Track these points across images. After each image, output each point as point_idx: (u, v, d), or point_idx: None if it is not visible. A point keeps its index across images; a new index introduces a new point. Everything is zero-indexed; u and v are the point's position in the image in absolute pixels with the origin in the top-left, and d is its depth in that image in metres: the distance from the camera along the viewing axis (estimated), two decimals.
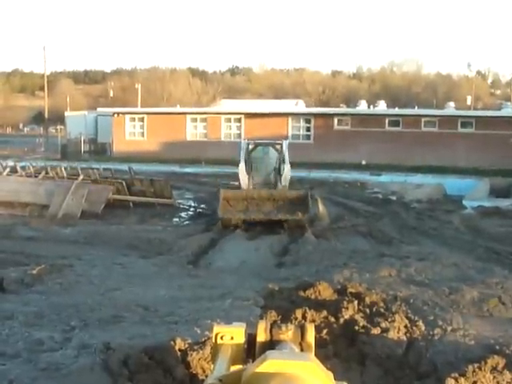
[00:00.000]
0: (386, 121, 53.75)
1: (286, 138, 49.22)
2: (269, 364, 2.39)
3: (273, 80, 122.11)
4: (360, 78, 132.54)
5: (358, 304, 9.44)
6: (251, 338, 2.96)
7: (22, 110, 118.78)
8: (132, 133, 58.21)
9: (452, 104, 69.71)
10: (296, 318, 8.74)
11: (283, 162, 26.85)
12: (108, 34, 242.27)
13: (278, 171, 27.05)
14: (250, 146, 27.92)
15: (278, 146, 27.82)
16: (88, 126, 65.47)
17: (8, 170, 34.10)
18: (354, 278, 13.71)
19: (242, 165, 26.81)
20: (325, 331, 8.41)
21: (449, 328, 9.13)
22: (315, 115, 56.76)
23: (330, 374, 2.38)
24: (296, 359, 2.45)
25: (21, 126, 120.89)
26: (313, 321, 8.48)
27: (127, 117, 58.61)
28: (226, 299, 11.62)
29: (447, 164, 47.00)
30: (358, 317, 8.95)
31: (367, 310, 9.35)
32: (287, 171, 26.53)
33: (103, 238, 23.44)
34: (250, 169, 27.15)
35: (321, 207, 27.54)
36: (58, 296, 12.36)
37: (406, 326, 8.76)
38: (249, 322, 3.24)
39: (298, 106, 61.97)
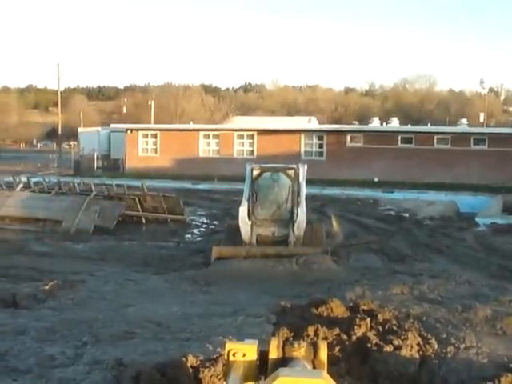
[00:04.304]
0: (399, 138, 53.57)
1: (300, 157, 49.43)
2: (281, 381, 2.38)
3: (285, 97, 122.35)
4: (373, 95, 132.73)
5: (371, 321, 9.40)
6: (263, 355, 2.96)
7: (36, 125, 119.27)
8: (145, 149, 58.26)
9: (465, 121, 69.64)
10: (308, 335, 8.71)
11: (298, 195, 21.40)
12: (121, 51, 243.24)
13: (291, 205, 21.49)
14: (255, 172, 21.95)
15: (291, 172, 21.77)
16: (101, 142, 65.58)
17: (21, 185, 34.19)
18: (367, 296, 13.67)
19: (243, 209, 21.27)
20: (337, 348, 8.38)
21: (462, 346, 9.08)
22: (328, 132, 56.65)
23: None
24: (308, 377, 2.44)
25: (34, 141, 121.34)
26: (325, 338, 8.45)
27: (140, 133, 58.68)
28: (238, 316, 11.60)
29: (460, 181, 46.79)
30: (370, 334, 8.92)
31: (380, 328, 9.31)
32: (302, 217, 21.01)
33: (116, 253, 23.49)
34: (255, 200, 21.59)
35: (335, 224, 27.15)
36: (70, 312, 12.37)
37: (418, 344, 8.71)
38: (261, 339, 3.23)
39: (311, 122, 61.99)
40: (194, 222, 33.09)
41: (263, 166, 22.73)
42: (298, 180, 21.54)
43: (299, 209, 21.00)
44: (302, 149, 54.66)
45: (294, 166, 22.08)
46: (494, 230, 29.78)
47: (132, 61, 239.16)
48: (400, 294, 14.53)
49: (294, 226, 20.98)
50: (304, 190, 21.68)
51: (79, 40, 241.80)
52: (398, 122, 70.10)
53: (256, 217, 21.44)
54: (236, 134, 56.51)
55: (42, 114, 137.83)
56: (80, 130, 73.80)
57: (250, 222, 21.16)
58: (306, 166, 22.57)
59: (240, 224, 21.16)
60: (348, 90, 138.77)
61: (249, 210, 21.25)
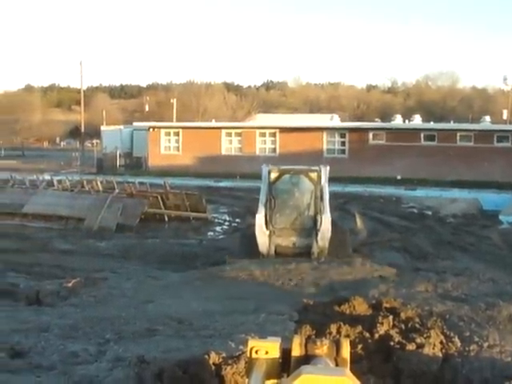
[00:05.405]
0: (422, 135, 53.41)
1: (323, 155, 49.41)
2: (304, 379, 2.37)
3: (308, 94, 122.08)
4: (395, 92, 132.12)
5: (393, 319, 9.35)
6: (286, 353, 2.95)
7: (59, 124, 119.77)
8: (167, 147, 58.41)
9: (488, 118, 69.12)
10: (330, 333, 8.68)
11: (321, 199, 19.42)
12: (144, 49, 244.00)
13: (314, 212, 19.60)
14: (273, 174, 19.86)
15: (313, 174, 19.73)
16: (124, 141, 65.77)
17: (44, 183, 34.43)
18: (390, 293, 13.62)
19: (260, 217, 19.38)
20: (359, 346, 8.35)
21: (485, 344, 9.02)
22: (350, 130, 56.59)
23: None
24: (331, 374, 2.43)
25: (57, 140, 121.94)
26: (347, 336, 8.41)
27: (162, 131, 58.84)
28: (260, 313, 11.59)
29: (483, 179, 46.52)
30: (393, 332, 8.87)
31: (402, 326, 9.27)
32: (326, 226, 19.07)
33: (138, 251, 23.61)
34: (273, 206, 19.58)
35: (359, 222, 26.74)
36: (92, 309, 12.43)
37: (441, 342, 8.66)
38: (283, 336, 3.23)
39: (333, 120, 61.81)
40: (216, 220, 33.19)
41: (282, 167, 20.53)
42: (321, 183, 19.59)
43: (323, 216, 19.09)
44: (325, 146, 54.64)
45: (317, 167, 20.08)
46: None
47: (154, 59, 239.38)
48: (424, 291, 14.47)
49: (317, 235, 19.12)
50: (327, 195, 19.62)
51: (102, 39, 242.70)
52: (421, 119, 69.73)
53: (274, 225, 19.53)
54: (258, 131, 56.54)
55: (64, 112, 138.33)
56: (103, 128, 74.06)
57: (267, 231, 19.29)
58: (328, 168, 20.39)
59: (256, 233, 19.25)
60: (370, 87, 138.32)
61: (266, 218, 19.40)
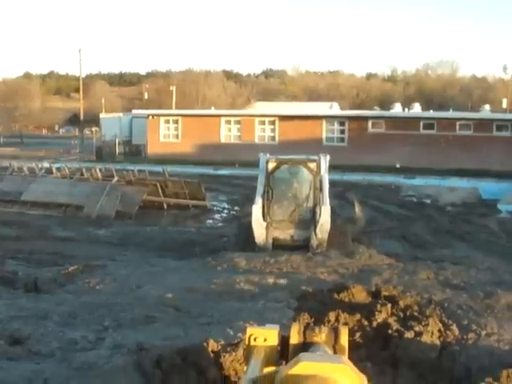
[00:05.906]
0: (421, 124, 53.38)
1: (322, 143, 49.38)
2: (302, 366, 2.38)
3: (307, 83, 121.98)
4: (394, 80, 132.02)
5: (392, 307, 9.37)
6: (284, 340, 2.95)
7: (58, 111, 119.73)
8: (166, 135, 58.41)
9: (487, 107, 69.09)
10: (329, 321, 8.68)
11: (320, 190, 18.67)
12: (143, 37, 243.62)
13: (313, 204, 18.94)
14: (271, 164, 19.12)
15: (313, 165, 19.04)
16: (123, 128, 65.80)
17: (43, 171, 34.41)
18: (393, 281, 13.64)
19: (257, 208, 18.61)
20: (358, 334, 8.37)
21: (483, 332, 9.04)
22: (349, 118, 56.57)
23: (364, 377, 2.36)
24: (329, 361, 2.43)
25: (56, 127, 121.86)
26: (346, 323, 8.43)
27: (162, 119, 58.83)
28: (258, 300, 11.61)
29: (482, 167, 46.50)
30: (391, 320, 8.88)
31: (401, 314, 9.28)
32: (325, 218, 18.28)
33: (137, 239, 23.62)
34: (270, 197, 18.90)
35: (357, 210, 26.41)
36: (90, 296, 12.44)
37: (439, 330, 8.68)
38: (282, 324, 3.23)
39: (333, 108, 61.84)
40: (215, 208, 33.21)
41: (280, 157, 19.66)
42: (320, 173, 18.83)
43: (322, 207, 18.28)
44: (324, 135, 54.63)
45: (316, 157, 19.32)
46: None
47: (153, 47, 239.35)
48: (425, 279, 14.48)
49: (316, 227, 18.33)
50: (327, 185, 18.76)
51: (101, 26, 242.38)
52: (420, 107, 69.64)
53: (272, 217, 18.86)
54: (257, 119, 56.52)
55: (63, 99, 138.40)
56: (102, 115, 74.10)
57: (264, 224, 18.58)
58: (328, 157, 19.47)
59: (253, 225, 18.54)
60: (370, 76, 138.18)
61: (263, 209, 18.66)
